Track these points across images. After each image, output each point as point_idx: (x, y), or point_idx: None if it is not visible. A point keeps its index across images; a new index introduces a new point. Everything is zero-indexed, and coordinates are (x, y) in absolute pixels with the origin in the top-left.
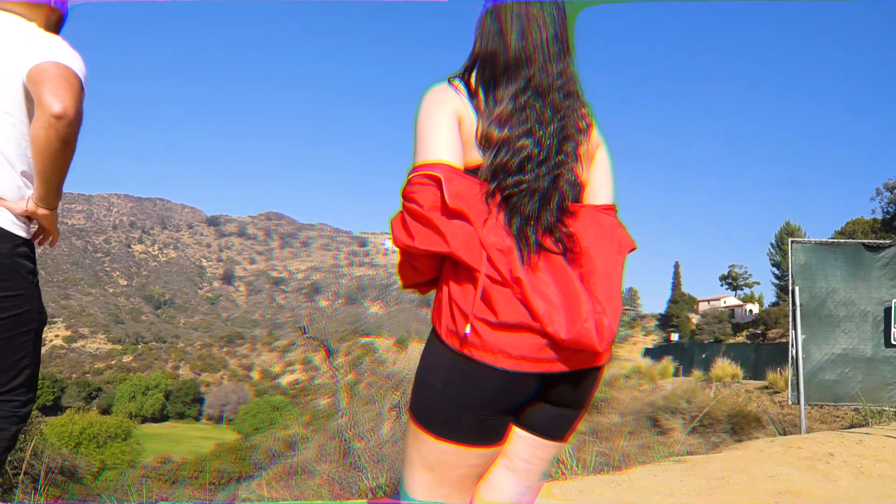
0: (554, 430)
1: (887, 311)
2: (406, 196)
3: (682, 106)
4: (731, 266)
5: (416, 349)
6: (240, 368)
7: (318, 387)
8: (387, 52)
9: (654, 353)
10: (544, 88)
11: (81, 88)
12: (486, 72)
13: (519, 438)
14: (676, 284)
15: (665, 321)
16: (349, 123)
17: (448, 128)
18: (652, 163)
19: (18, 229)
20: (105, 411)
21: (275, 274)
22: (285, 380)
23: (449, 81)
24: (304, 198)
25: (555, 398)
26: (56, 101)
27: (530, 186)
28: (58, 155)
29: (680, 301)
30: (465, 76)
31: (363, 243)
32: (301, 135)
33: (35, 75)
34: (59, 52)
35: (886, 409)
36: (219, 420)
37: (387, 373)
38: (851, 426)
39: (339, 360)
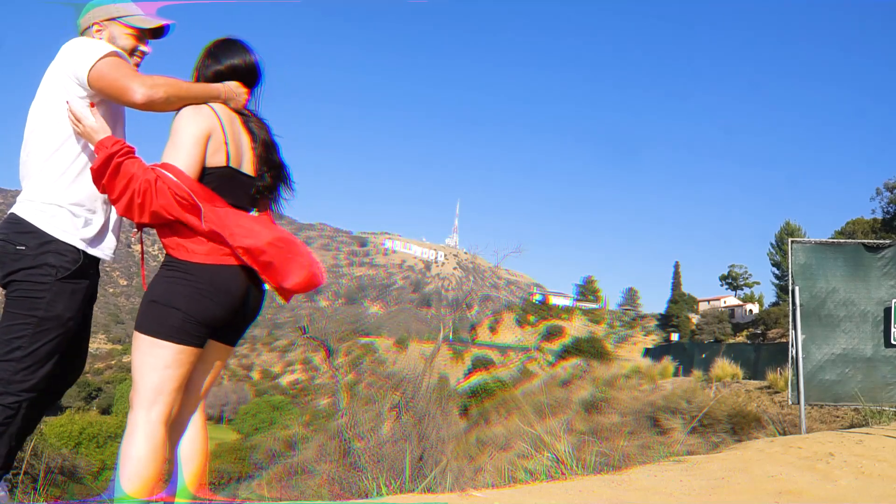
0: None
1: (887, 311)
2: None
3: (682, 104)
4: (731, 266)
5: (415, 349)
6: (240, 368)
7: (318, 387)
8: (387, 52)
9: (654, 353)
10: None
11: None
12: None
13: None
14: (676, 284)
15: (665, 321)
16: (349, 123)
17: None
18: (651, 162)
19: (54, 230)
20: (105, 411)
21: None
22: (285, 380)
23: None
24: (304, 198)
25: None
26: None
27: None
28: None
29: (680, 301)
30: None
31: (363, 243)
32: (301, 134)
33: None
34: None
35: (886, 409)
36: (219, 420)
37: (387, 373)
38: (851, 426)
39: (339, 360)
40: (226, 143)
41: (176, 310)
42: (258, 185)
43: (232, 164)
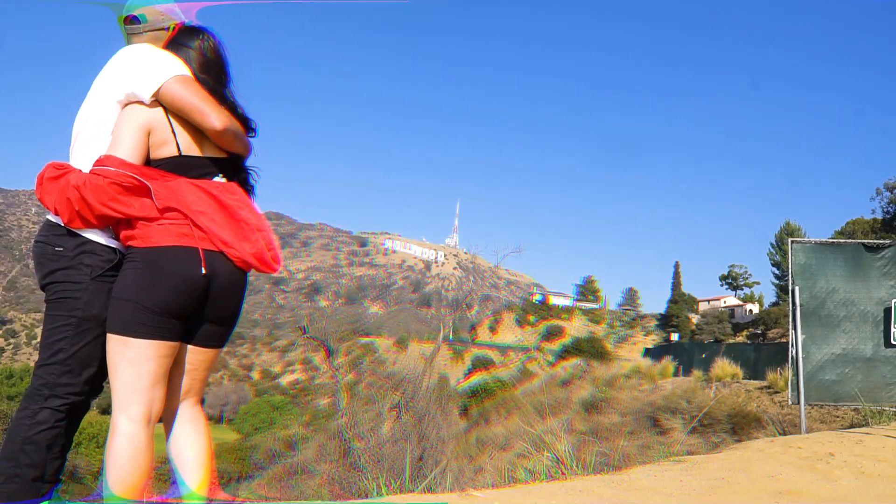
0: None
1: (887, 311)
2: None
3: (681, 103)
4: (731, 266)
5: (415, 349)
6: (240, 368)
7: (318, 387)
8: (387, 53)
9: (654, 353)
10: None
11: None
12: None
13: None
14: (676, 284)
15: (665, 321)
16: (349, 123)
17: None
18: (651, 162)
19: (87, 233)
20: (105, 411)
21: (274, 274)
22: (285, 380)
23: None
24: (304, 198)
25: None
26: None
27: None
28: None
29: (680, 301)
30: None
31: (363, 243)
32: (301, 134)
33: None
34: None
35: (886, 409)
36: (219, 420)
37: (387, 373)
38: (851, 426)
39: (339, 360)
40: (174, 134)
41: (126, 301)
42: (223, 164)
43: (187, 153)
